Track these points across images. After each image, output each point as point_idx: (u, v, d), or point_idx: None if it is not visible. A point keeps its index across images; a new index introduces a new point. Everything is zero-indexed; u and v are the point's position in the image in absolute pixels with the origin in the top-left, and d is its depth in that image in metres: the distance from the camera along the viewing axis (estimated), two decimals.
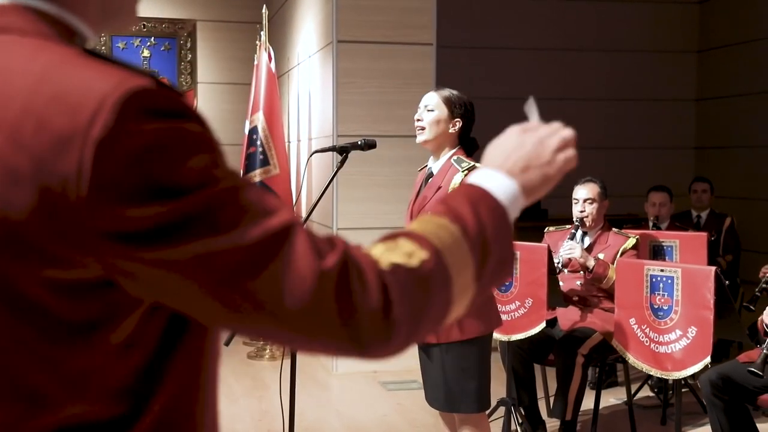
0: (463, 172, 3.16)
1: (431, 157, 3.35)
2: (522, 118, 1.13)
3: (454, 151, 3.27)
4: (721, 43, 9.03)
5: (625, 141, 9.30)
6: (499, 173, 1.05)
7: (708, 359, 3.51)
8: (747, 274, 6.13)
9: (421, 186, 3.35)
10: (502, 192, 1.03)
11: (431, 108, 3.26)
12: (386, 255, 0.88)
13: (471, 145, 3.33)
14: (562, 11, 9.13)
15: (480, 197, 1.01)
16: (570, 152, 1.08)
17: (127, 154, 0.79)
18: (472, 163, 3.19)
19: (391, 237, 0.93)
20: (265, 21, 6.53)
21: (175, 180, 0.80)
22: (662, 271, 3.68)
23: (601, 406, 4.49)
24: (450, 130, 3.25)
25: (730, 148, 8.93)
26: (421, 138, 3.27)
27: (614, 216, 7.10)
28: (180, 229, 0.80)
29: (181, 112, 0.82)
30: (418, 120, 3.28)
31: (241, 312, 0.83)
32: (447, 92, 3.30)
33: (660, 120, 9.36)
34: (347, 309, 0.83)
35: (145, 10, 7.99)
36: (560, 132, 1.09)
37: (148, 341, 0.88)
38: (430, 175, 3.31)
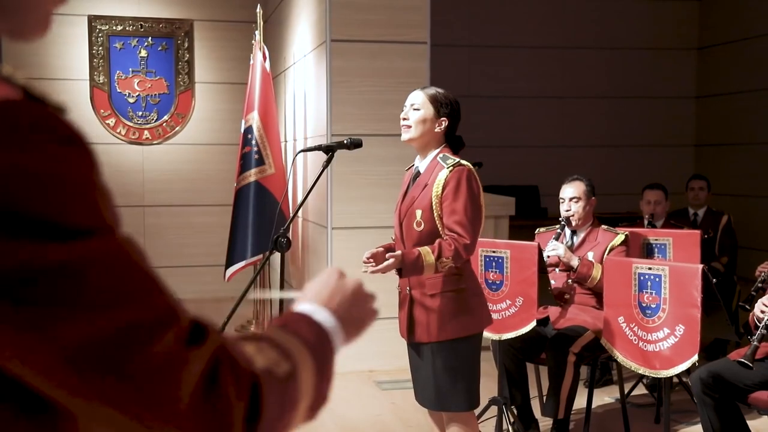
0: (448, 168, 3.16)
1: (417, 156, 3.35)
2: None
3: (440, 149, 3.27)
4: (721, 41, 9.00)
5: (624, 138, 9.28)
6: (322, 309, 1.03)
7: (695, 357, 3.50)
8: (745, 272, 6.10)
9: (408, 185, 3.35)
10: (327, 324, 1.01)
11: (417, 107, 3.26)
12: (258, 357, 0.83)
13: (457, 143, 3.33)
14: (561, 8, 9.11)
15: (312, 327, 0.99)
16: (374, 306, 1.12)
17: None
18: (458, 160, 3.20)
19: (256, 339, 0.87)
20: (259, 21, 6.53)
21: (38, 217, 0.67)
22: (650, 269, 3.67)
23: (595, 405, 4.47)
24: (436, 129, 3.25)
25: (729, 145, 8.90)
26: (406, 136, 3.28)
27: (613, 214, 7.09)
28: (36, 286, 0.68)
29: (54, 132, 0.69)
30: (404, 119, 3.28)
31: (91, 402, 0.72)
32: (433, 91, 3.29)
33: (659, 117, 9.33)
34: (218, 404, 0.76)
35: (142, 10, 8.00)
36: (366, 287, 1.12)
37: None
38: (417, 173, 3.30)
